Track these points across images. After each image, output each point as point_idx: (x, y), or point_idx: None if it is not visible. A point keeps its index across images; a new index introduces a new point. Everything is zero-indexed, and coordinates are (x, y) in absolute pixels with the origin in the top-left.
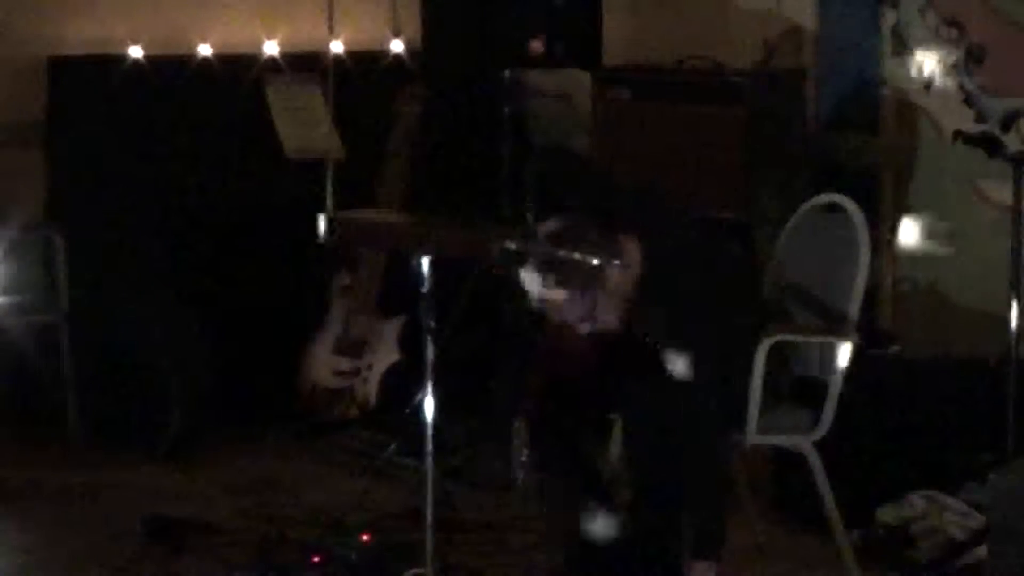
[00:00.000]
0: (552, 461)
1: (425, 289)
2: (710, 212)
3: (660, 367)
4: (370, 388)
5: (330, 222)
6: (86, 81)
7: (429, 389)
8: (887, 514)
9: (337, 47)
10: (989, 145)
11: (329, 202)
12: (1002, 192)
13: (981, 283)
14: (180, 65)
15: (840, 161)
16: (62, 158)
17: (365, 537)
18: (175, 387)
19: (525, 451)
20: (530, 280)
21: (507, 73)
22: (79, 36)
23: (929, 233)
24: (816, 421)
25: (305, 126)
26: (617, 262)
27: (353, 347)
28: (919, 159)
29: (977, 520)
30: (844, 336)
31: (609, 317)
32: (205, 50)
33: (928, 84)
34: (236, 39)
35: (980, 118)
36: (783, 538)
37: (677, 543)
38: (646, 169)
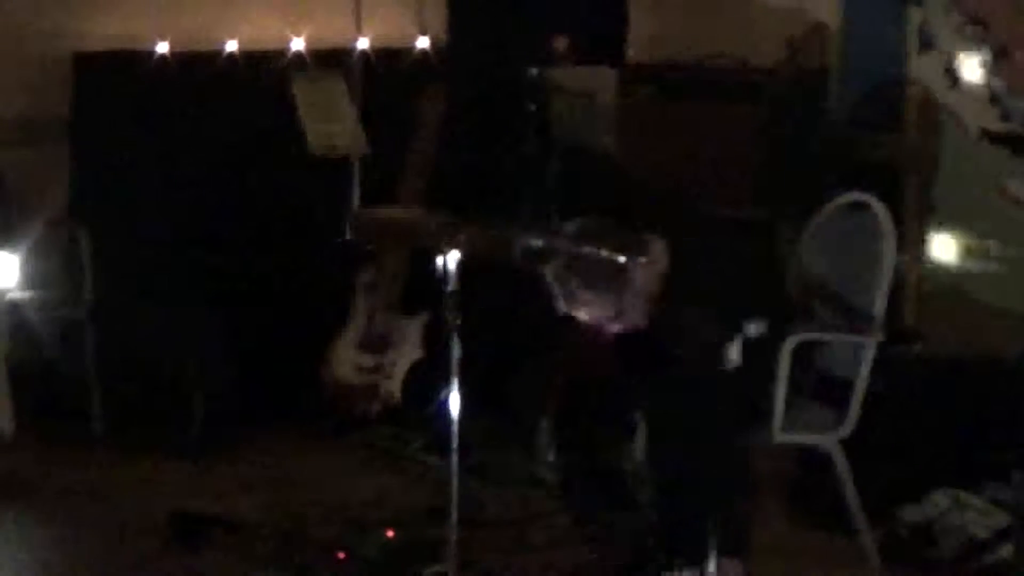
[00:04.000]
0: (576, 460)
1: (450, 287)
2: (733, 210)
3: (683, 366)
4: (394, 385)
5: (355, 218)
6: (112, 77)
7: (455, 386)
8: (910, 512)
9: (363, 44)
10: (1014, 144)
11: (355, 199)
12: None
13: (1005, 282)
14: (206, 61)
15: (863, 159)
16: (87, 154)
17: (388, 534)
18: (198, 383)
19: (551, 450)
20: (556, 280)
21: (531, 71)
22: (105, 32)
23: (953, 231)
24: (840, 420)
25: (330, 122)
26: (642, 260)
27: (377, 344)
28: (943, 158)
29: (1000, 518)
30: (869, 334)
31: (634, 316)
32: (231, 46)
33: (953, 82)
34: (262, 36)
35: (1005, 116)
36: (805, 536)
37: (702, 540)
38: (669, 167)
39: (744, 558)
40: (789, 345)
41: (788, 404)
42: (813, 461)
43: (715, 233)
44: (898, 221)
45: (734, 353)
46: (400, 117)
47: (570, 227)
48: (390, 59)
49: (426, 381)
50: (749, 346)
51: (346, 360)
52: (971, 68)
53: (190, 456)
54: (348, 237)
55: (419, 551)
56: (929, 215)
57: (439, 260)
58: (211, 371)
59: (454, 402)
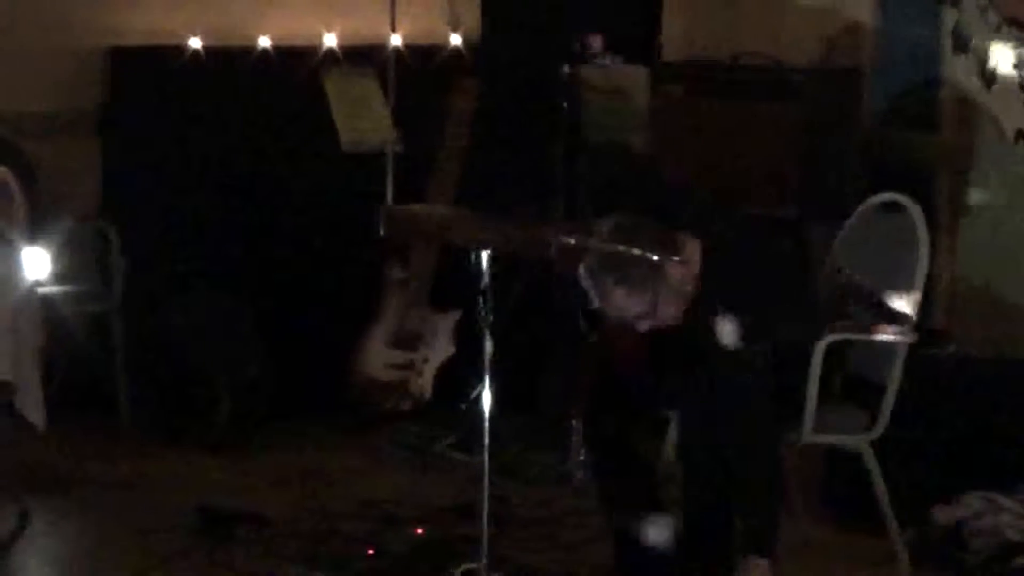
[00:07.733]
0: (606, 458)
1: (483, 284)
2: (766, 209)
3: (715, 365)
4: (424, 382)
5: (387, 215)
6: (145, 72)
7: (487, 384)
8: (942, 514)
9: (396, 40)
10: None
11: (389, 195)
12: None
13: None
14: (239, 57)
15: (898, 159)
16: (119, 148)
17: (417, 531)
18: (227, 378)
19: (582, 449)
20: (591, 279)
21: (564, 69)
22: (139, 27)
23: (986, 233)
24: (872, 421)
25: (362, 119)
26: (676, 258)
27: (408, 340)
28: (978, 158)
29: None
30: (901, 335)
31: (668, 314)
32: (264, 42)
33: (989, 83)
34: (295, 31)
35: None
36: (835, 536)
37: (730, 540)
38: (702, 165)
39: (772, 560)
40: (822, 346)
41: (820, 404)
42: (844, 462)
43: (747, 233)
44: (932, 222)
45: (729, 332)
46: (432, 114)
47: (604, 225)
48: (423, 56)
49: (457, 378)
50: (783, 347)
51: (377, 356)
52: (1006, 69)
53: (218, 450)
54: (381, 233)
55: (449, 548)
56: (963, 216)
57: (471, 257)
58: (240, 366)
59: (485, 399)
